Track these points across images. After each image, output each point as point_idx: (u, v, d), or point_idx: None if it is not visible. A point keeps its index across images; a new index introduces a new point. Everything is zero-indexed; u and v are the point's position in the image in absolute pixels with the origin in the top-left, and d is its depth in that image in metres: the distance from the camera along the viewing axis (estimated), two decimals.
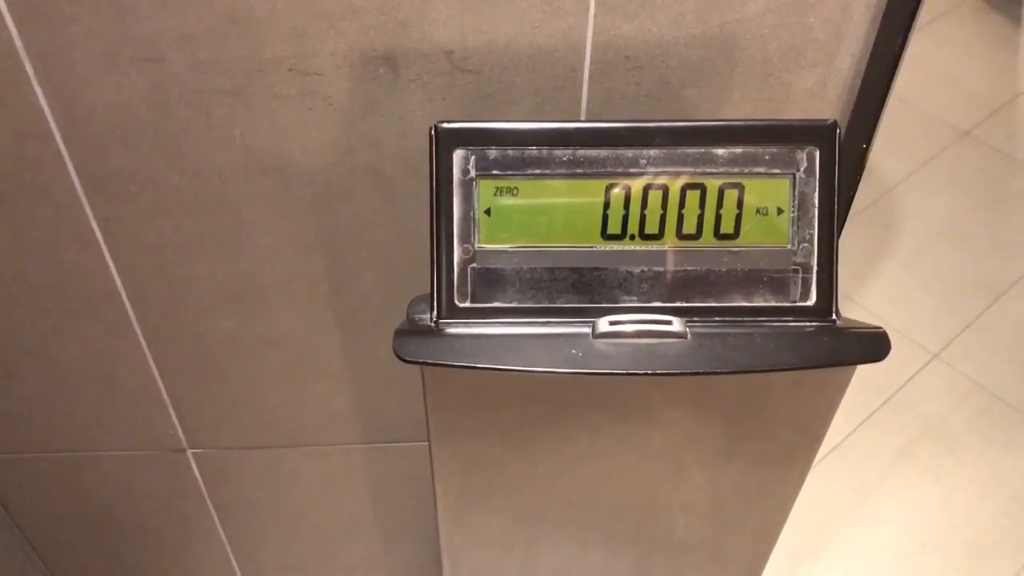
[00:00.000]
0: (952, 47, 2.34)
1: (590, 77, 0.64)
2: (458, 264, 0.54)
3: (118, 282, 0.76)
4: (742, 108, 0.66)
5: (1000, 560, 1.46)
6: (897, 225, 1.96)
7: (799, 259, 0.54)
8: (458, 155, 0.53)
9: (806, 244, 0.54)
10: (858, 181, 0.67)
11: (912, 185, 2.03)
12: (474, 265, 0.54)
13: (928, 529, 1.50)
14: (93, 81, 0.63)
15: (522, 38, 0.62)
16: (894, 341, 1.91)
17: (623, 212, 0.54)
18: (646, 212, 0.54)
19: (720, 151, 0.53)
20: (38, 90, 0.63)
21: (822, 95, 0.66)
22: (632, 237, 0.54)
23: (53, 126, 0.65)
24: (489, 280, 0.55)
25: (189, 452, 0.94)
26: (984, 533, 1.50)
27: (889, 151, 2.10)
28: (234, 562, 1.11)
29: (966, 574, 1.45)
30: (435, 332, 0.54)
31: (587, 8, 0.60)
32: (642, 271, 0.55)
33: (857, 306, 1.80)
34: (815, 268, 0.54)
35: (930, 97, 2.21)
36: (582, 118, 0.67)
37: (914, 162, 2.08)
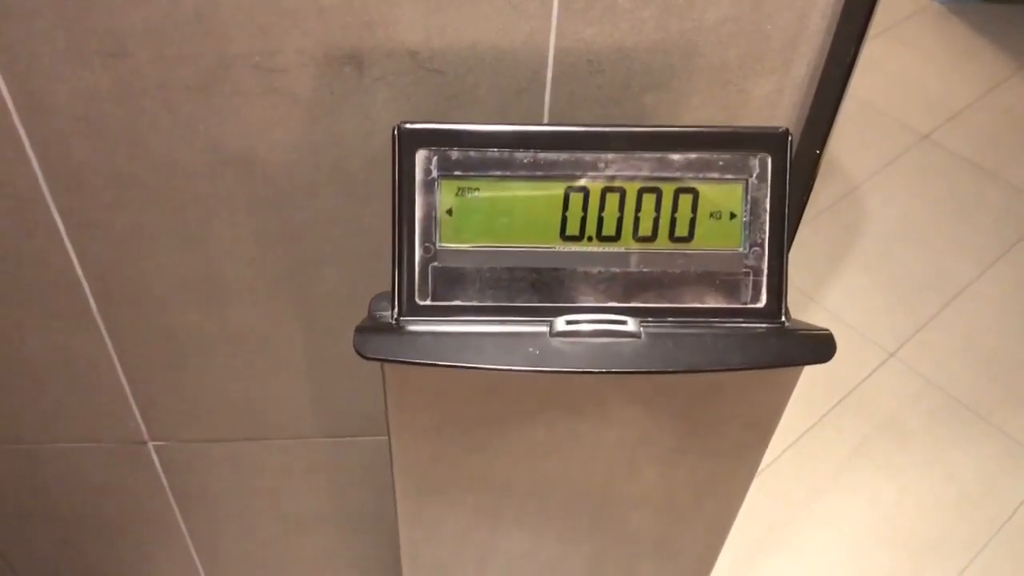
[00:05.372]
0: (914, 51, 2.38)
1: (553, 79, 0.65)
2: (419, 263, 0.55)
3: (80, 274, 0.76)
4: (701, 112, 0.68)
5: (951, 555, 1.50)
6: (857, 226, 1.99)
7: (750, 262, 0.56)
8: (420, 155, 0.54)
9: (757, 248, 0.56)
10: (812, 186, 0.69)
11: (873, 187, 2.07)
12: (435, 264, 0.55)
13: (881, 525, 1.53)
14: (57, 74, 0.62)
15: (486, 40, 0.62)
16: (851, 339, 1.93)
17: (581, 214, 0.55)
18: (603, 214, 0.55)
19: (676, 156, 0.55)
20: (0, 82, 0.63)
21: (778, 101, 0.68)
22: (590, 238, 0.56)
23: (16, 118, 0.65)
24: (450, 279, 0.56)
25: (151, 444, 0.94)
26: (936, 528, 1.53)
27: (851, 153, 2.13)
28: (195, 554, 1.11)
29: (918, 569, 1.48)
30: (396, 329, 0.54)
31: (550, 12, 0.61)
32: (599, 271, 0.56)
33: (816, 305, 1.83)
34: (765, 271, 0.56)
35: (892, 100, 2.25)
36: (545, 119, 0.67)
37: (875, 164, 2.11)
